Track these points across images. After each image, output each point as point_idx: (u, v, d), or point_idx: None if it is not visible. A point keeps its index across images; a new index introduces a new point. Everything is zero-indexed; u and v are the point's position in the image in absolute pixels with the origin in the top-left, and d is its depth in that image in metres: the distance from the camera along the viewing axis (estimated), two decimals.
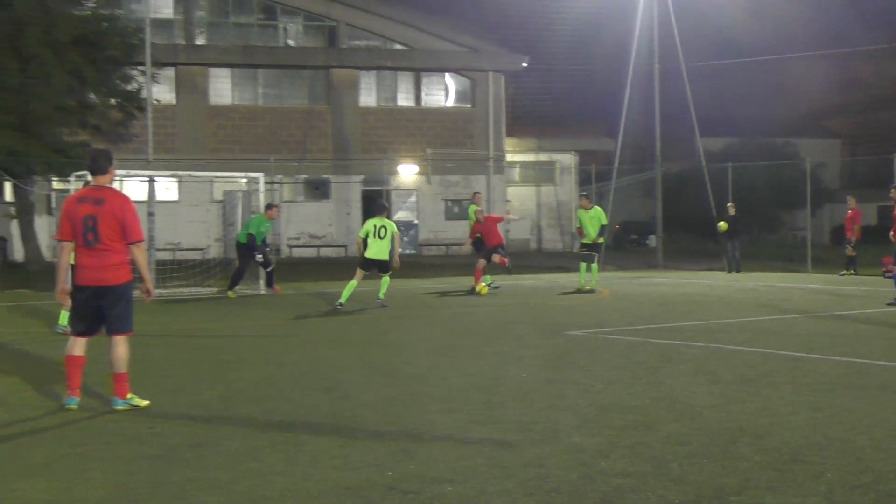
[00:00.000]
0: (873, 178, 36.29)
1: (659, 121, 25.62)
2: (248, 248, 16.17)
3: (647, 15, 25.58)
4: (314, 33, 33.75)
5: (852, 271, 20.47)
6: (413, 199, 33.81)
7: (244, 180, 19.74)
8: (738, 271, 22.01)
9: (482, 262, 16.08)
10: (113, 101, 24.04)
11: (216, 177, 25.04)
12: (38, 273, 20.74)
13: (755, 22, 42.94)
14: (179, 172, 24.36)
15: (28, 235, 23.70)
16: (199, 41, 32.41)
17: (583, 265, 16.82)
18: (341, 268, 21.68)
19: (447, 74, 34.35)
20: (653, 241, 30.43)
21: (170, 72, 30.45)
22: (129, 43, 23.26)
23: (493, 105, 34.15)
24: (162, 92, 29.27)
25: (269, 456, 5.00)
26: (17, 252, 26.10)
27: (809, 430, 5.54)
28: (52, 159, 21.79)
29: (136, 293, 6.47)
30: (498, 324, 11.58)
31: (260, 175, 18.29)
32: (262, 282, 16.82)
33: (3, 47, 21.62)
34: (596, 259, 17.04)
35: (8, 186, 24.67)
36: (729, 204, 22.74)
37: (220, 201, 30.84)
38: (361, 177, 32.52)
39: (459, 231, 27.99)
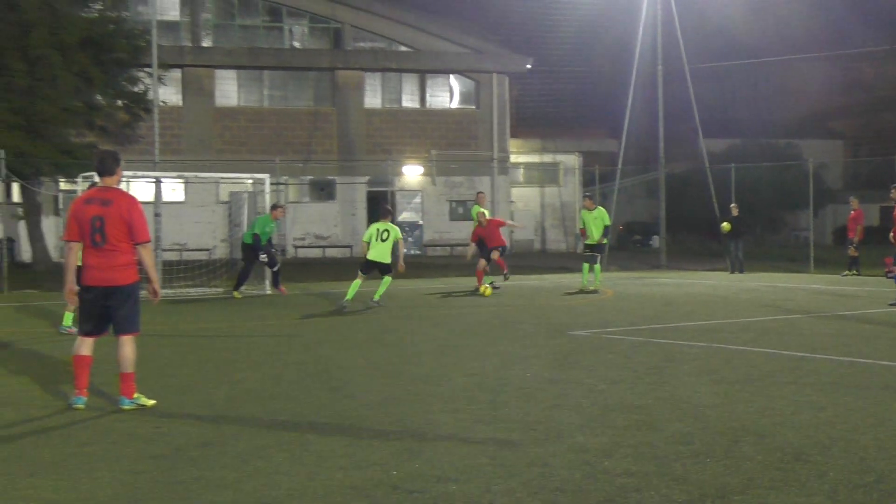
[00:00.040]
0: (876, 178, 36.22)
1: (662, 122, 25.63)
2: (253, 248, 16.21)
3: (651, 16, 25.59)
4: (319, 35, 33.82)
5: (855, 272, 20.44)
6: (418, 199, 33.86)
7: (250, 181, 19.79)
8: (741, 272, 21.99)
9: (483, 263, 16.16)
10: (119, 102, 24.16)
11: (222, 178, 25.13)
12: (45, 273, 20.85)
13: (758, 23, 42.94)
14: (186, 173, 24.47)
15: (35, 236, 23.80)
16: (206, 43, 32.51)
17: (585, 266, 16.84)
18: (346, 268, 21.72)
19: (451, 76, 34.40)
20: (656, 241, 30.42)
21: (176, 73, 30.56)
22: (135, 45, 23.37)
23: (497, 106, 34.18)
24: (168, 93, 29.38)
25: (274, 455, 5.02)
26: (25, 252, 26.23)
27: (812, 429, 5.55)
28: (59, 160, 21.90)
29: (143, 293, 6.52)
30: (502, 324, 11.60)
31: (265, 176, 18.33)
32: (267, 282, 16.87)
33: (11, 49, 21.75)
34: (599, 260, 17.05)
35: (15, 187, 24.78)
36: (732, 205, 22.73)
37: (225, 202, 30.93)
38: (366, 178, 32.56)
39: (464, 232, 27.99)
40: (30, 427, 5.83)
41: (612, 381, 7.23)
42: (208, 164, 29.35)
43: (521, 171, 37.31)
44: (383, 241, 13.58)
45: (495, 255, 16.02)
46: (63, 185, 24.83)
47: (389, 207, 15.06)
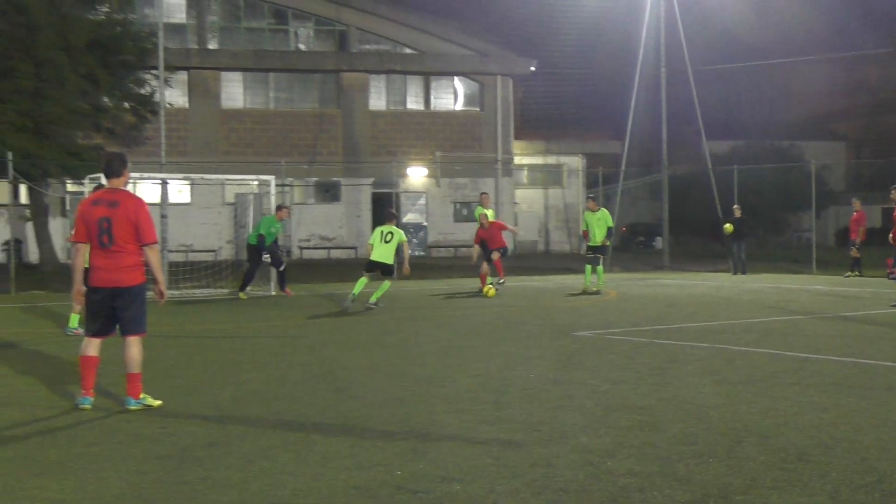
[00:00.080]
0: (878, 180, 36.20)
1: (665, 124, 25.65)
2: (258, 249, 16.26)
3: (654, 19, 25.62)
4: (325, 37, 33.91)
5: (857, 273, 20.43)
6: (422, 201, 33.93)
7: (255, 183, 19.85)
8: (743, 273, 21.99)
9: (486, 266, 16.22)
10: (126, 104, 24.28)
11: (228, 179, 25.20)
12: (52, 274, 20.93)
13: (761, 26, 42.90)
14: (192, 175, 24.54)
15: (42, 237, 23.92)
16: (212, 46, 32.63)
17: (588, 267, 16.85)
18: (351, 269, 21.77)
19: (456, 78, 34.45)
20: (659, 242, 30.42)
21: (182, 76, 30.71)
22: (142, 47, 23.48)
23: (501, 108, 34.24)
24: (175, 96, 29.53)
25: (280, 456, 5.04)
26: (32, 254, 26.36)
27: (815, 430, 5.56)
28: (66, 162, 22.01)
29: (150, 295, 6.55)
30: (505, 325, 11.62)
31: (271, 178, 18.39)
32: (272, 283, 16.91)
33: (18, 51, 21.88)
34: (601, 261, 17.07)
35: (23, 189, 24.90)
36: (735, 206, 22.75)
37: (231, 204, 31.02)
38: (371, 179, 32.63)
39: (468, 233, 28.03)
40: (36, 427, 5.86)
41: (615, 382, 7.25)
42: (214, 165, 29.44)
43: (525, 172, 37.36)
44: (386, 242, 13.85)
45: (495, 256, 16.04)
46: (70, 187, 24.95)
47: (394, 212, 15.35)
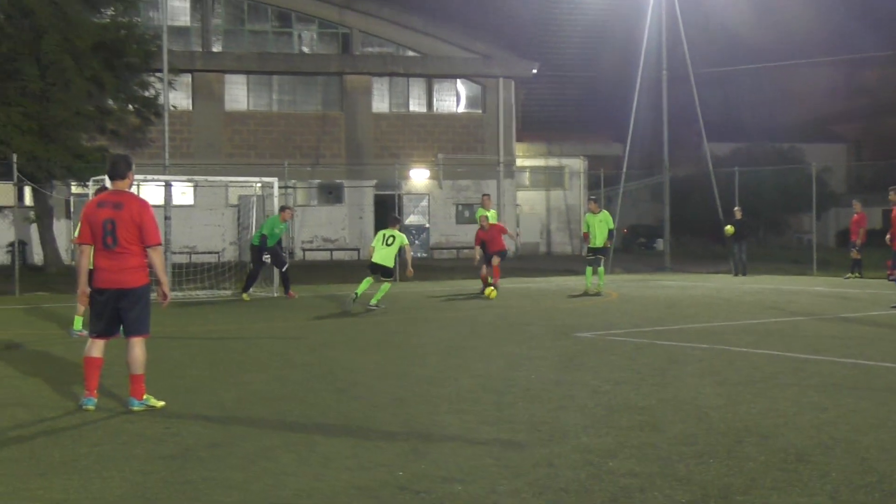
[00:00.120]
0: (879, 182, 36.22)
1: (667, 126, 25.67)
2: (260, 250, 16.28)
3: (656, 21, 25.65)
4: (328, 40, 33.99)
5: (857, 274, 20.44)
6: (425, 203, 33.98)
7: (258, 185, 19.88)
8: (744, 274, 22.01)
9: (485, 269, 16.25)
10: (131, 106, 24.38)
11: (231, 181, 25.27)
12: (56, 276, 20.99)
13: (762, 28, 42.92)
14: (195, 177, 24.61)
15: (47, 239, 24.00)
16: (216, 48, 32.72)
17: (589, 269, 16.87)
18: (354, 271, 21.81)
19: (458, 81, 34.52)
20: (660, 244, 30.42)
21: (186, 78, 30.79)
22: (146, 50, 23.58)
23: (503, 111, 34.30)
24: (179, 98, 29.61)
25: (282, 456, 5.06)
26: (37, 255, 26.45)
27: (815, 430, 5.58)
28: (70, 164, 22.11)
29: (153, 296, 6.58)
30: (507, 326, 11.65)
31: (274, 180, 18.43)
32: (275, 284, 16.94)
33: (24, 54, 21.99)
34: (602, 262, 17.10)
35: (27, 191, 24.98)
36: (736, 208, 22.78)
37: (234, 205, 31.08)
38: (374, 181, 32.68)
39: (470, 235, 28.04)
40: (41, 428, 5.88)
41: (616, 383, 7.27)
42: (218, 167, 29.54)
43: (527, 174, 37.42)
44: (388, 245, 13.97)
45: (496, 260, 16.04)
46: (74, 189, 25.03)
47: (398, 216, 15.61)
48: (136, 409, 6.32)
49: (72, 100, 22.35)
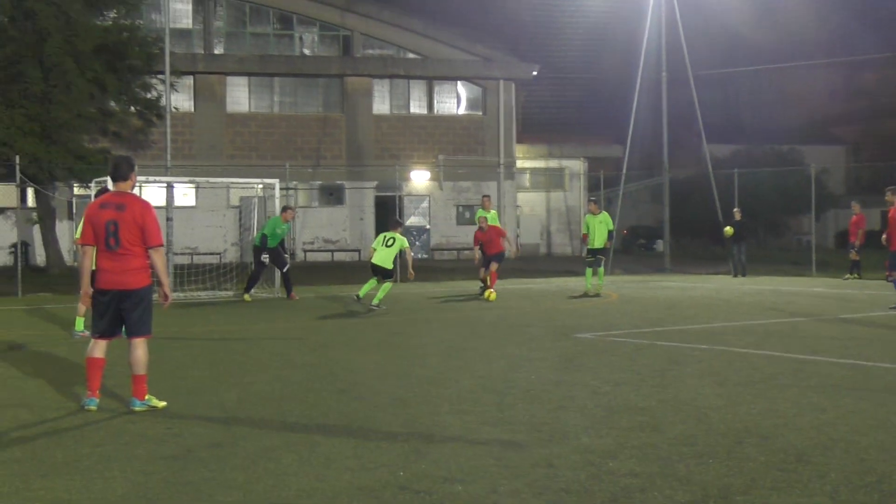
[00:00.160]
0: (877, 183, 36.18)
1: (666, 128, 25.71)
2: (260, 250, 16.29)
3: (655, 23, 25.68)
4: (329, 42, 34.04)
5: (856, 275, 20.46)
6: (425, 204, 34.01)
7: (260, 186, 19.92)
8: (743, 275, 22.03)
9: (483, 272, 16.26)
10: (133, 108, 24.44)
11: (233, 183, 25.31)
12: (58, 277, 21.03)
13: (761, 30, 42.97)
14: (197, 178, 24.65)
15: (49, 240, 24.05)
16: (217, 50, 32.79)
17: (589, 270, 16.89)
18: (355, 272, 21.84)
19: (459, 83, 34.57)
20: (660, 245, 30.46)
21: (188, 80, 30.87)
22: (148, 52, 23.64)
23: (503, 112, 34.35)
24: (180, 100, 29.67)
25: (283, 456, 5.07)
26: (39, 256, 26.49)
27: (814, 431, 5.59)
28: (73, 165, 22.16)
29: (154, 297, 6.60)
30: (508, 327, 11.66)
31: (275, 181, 18.47)
32: (277, 285, 16.96)
33: (27, 56, 22.05)
34: (602, 263, 17.12)
35: (30, 192, 25.04)
36: (735, 209, 22.82)
37: (236, 207, 31.12)
38: (375, 183, 32.72)
39: (471, 236, 28.10)
40: (43, 428, 5.90)
41: (616, 384, 7.28)
42: (219, 169, 29.60)
43: (528, 176, 37.47)
44: (388, 247, 14.05)
45: (494, 266, 16.03)
46: (77, 190, 25.10)
47: (399, 220, 15.70)
48: (137, 409, 6.34)
49: (74, 102, 22.41)
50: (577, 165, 37.29)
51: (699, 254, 33.10)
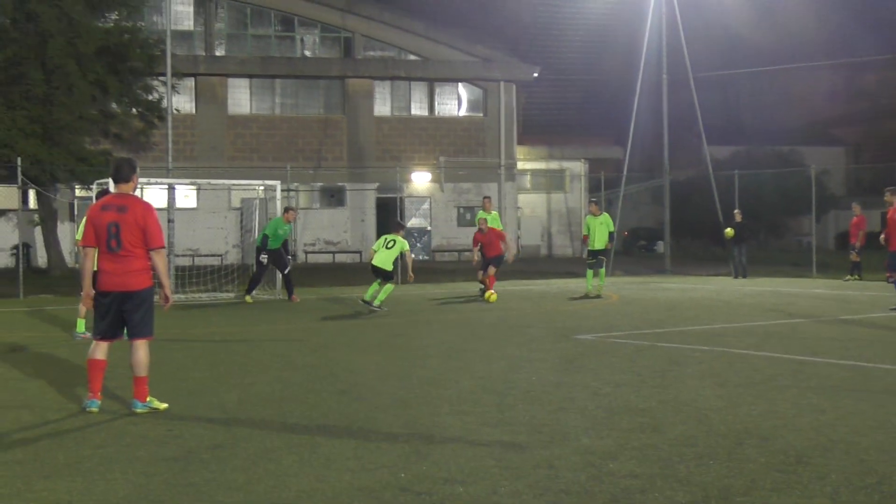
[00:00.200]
0: (878, 185, 36.17)
1: (667, 129, 25.72)
2: (261, 250, 16.29)
3: (656, 25, 25.71)
4: (330, 44, 34.08)
5: (857, 276, 20.48)
6: (426, 206, 34.04)
7: (261, 188, 19.95)
8: (744, 276, 22.04)
9: (481, 275, 16.26)
10: (134, 110, 24.48)
11: (234, 184, 25.34)
12: (60, 279, 21.06)
13: (761, 32, 43.01)
14: (198, 180, 24.68)
15: (51, 242, 24.08)
16: (219, 52, 32.83)
17: (589, 271, 16.90)
18: (356, 273, 21.86)
19: (460, 84, 34.60)
20: (661, 246, 30.48)
21: (190, 82, 30.92)
22: (150, 54, 23.67)
23: (504, 114, 34.38)
24: (182, 102, 29.72)
25: (284, 458, 5.08)
26: (41, 258, 26.52)
27: (814, 432, 5.60)
28: (74, 167, 22.20)
29: (155, 299, 6.60)
30: (509, 328, 11.67)
31: (277, 183, 18.49)
32: (278, 286, 16.97)
33: (29, 58, 22.10)
34: (603, 265, 17.13)
35: (31, 194, 25.08)
36: (735, 210, 22.83)
37: (237, 208, 31.15)
38: (376, 184, 32.75)
39: (471, 238, 28.18)
40: (45, 430, 5.91)
41: (616, 385, 7.29)
42: (220, 170, 29.65)
43: (528, 177, 37.49)
44: (388, 249, 14.09)
45: (492, 270, 16.04)
46: (78, 192, 25.15)
47: (401, 222, 15.79)
48: (139, 411, 6.35)
49: (76, 104, 22.46)
50: (577, 167, 37.31)
51: (700, 255, 33.12)
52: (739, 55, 42.32)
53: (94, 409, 6.35)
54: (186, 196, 29.37)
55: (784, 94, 52.28)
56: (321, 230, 32.78)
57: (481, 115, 34.63)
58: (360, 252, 31.96)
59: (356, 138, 33.25)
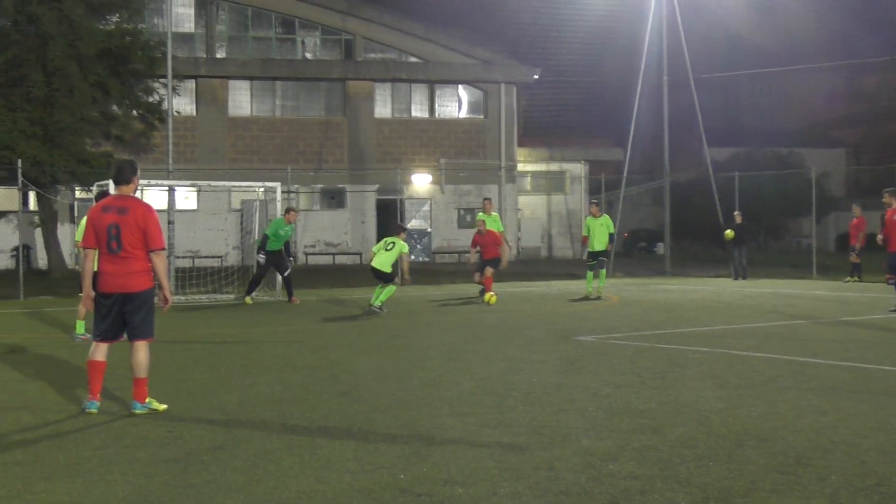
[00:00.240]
0: (878, 186, 36.20)
1: (668, 131, 25.74)
2: (261, 250, 16.29)
3: (657, 27, 25.74)
4: (331, 46, 34.12)
5: (857, 278, 20.49)
6: (427, 207, 34.05)
7: (262, 189, 19.95)
8: (744, 278, 22.05)
9: (478, 276, 16.27)
10: (135, 112, 24.52)
11: (234, 186, 25.33)
12: (60, 280, 21.08)
13: (762, 34, 43.05)
14: (199, 182, 24.69)
15: (51, 243, 24.10)
16: (220, 54, 32.87)
17: (589, 273, 16.90)
18: (356, 275, 21.87)
19: (460, 86, 34.62)
20: (661, 248, 30.51)
21: (190, 84, 30.95)
22: (151, 56, 23.71)
23: (505, 116, 34.40)
24: (183, 104, 29.74)
25: (284, 459, 5.09)
26: (41, 260, 26.52)
27: (814, 433, 5.60)
28: (75, 169, 22.23)
29: (155, 300, 6.61)
30: (509, 329, 11.67)
31: (277, 184, 18.49)
32: (278, 288, 16.97)
33: (31, 60, 22.14)
34: (604, 266, 17.12)
35: (32, 195, 25.10)
36: (736, 212, 22.85)
37: (238, 210, 31.16)
38: (376, 186, 32.76)
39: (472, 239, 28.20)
40: (45, 431, 5.91)
41: (617, 386, 7.29)
42: (221, 172, 29.66)
43: (529, 179, 37.50)
44: (387, 250, 14.14)
45: (489, 271, 16.02)
46: (79, 194, 25.18)
47: (403, 225, 15.81)
48: (139, 412, 6.36)
49: (76, 106, 22.50)
50: (578, 168, 37.32)
51: (700, 257, 33.15)
52: (740, 57, 42.39)
53: (94, 411, 6.35)
54: (187, 198, 29.40)
55: (784, 96, 52.35)
56: (321, 232, 32.80)
57: (482, 116, 34.66)
58: (360, 254, 31.97)
59: (357, 140, 33.27)
